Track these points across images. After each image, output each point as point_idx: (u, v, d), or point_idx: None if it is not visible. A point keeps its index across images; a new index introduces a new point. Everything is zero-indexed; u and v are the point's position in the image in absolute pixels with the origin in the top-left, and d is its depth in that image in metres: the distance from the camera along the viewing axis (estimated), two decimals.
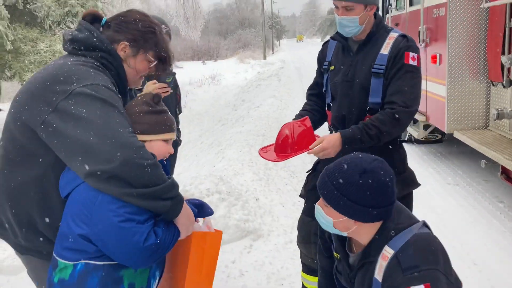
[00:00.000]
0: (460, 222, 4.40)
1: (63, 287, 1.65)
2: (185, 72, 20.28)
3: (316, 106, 2.75)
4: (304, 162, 6.11)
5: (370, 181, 1.64)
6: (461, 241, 3.99)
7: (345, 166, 1.69)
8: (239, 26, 59.71)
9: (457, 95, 5.27)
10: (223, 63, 35.45)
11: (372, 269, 1.71)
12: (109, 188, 1.58)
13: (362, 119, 2.46)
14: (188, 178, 5.00)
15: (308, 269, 2.82)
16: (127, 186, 1.58)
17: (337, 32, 2.60)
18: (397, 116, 2.32)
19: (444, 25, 5.23)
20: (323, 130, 2.70)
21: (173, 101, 3.67)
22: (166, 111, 1.87)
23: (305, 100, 2.85)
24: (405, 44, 2.42)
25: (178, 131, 3.90)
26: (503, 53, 4.63)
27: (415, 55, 2.42)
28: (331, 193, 1.69)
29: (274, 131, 7.74)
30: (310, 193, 2.70)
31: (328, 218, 1.74)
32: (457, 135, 5.32)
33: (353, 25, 2.44)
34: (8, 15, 8.80)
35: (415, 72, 2.41)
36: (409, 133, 7.03)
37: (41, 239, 1.79)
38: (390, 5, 7.70)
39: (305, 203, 2.82)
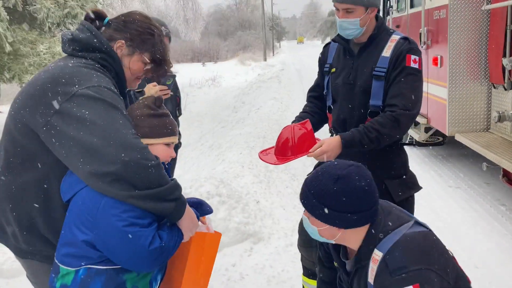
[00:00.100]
0: (461, 225, 4.38)
1: None
2: (185, 74, 20.28)
3: (316, 109, 2.74)
4: (305, 165, 6.10)
5: (344, 187, 1.64)
6: (462, 244, 3.97)
7: (320, 174, 1.71)
8: (239, 28, 59.78)
9: (458, 98, 5.25)
10: (223, 65, 35.51)
11: (365, 273, 1.71)
12: (112, 190, 1.57)
13: (363, 122, 2.44)
14: (188, 181, 4.98)
15: (308, 272, 2.81)
16: (131, 188, 1.58)
17: (338, 34, 2.58)
18: (397, 119, 2.31)
19: (445, 27, 5.22)
20: (324, 133, 2.68)
21: (173, 103, 3.66)
22: (168, 114, 1.86)
23: (305, 102, 2.84)
24: (407, 46, 2.41)
25: (178, 133, 3.89)
26: (504, 55, 4.63)
27: (417, 57, 2.40)
28: (309, 202, 1.71)
29: (274, 133, 7.73)
30: None
31: (313, 227, 1.75)
32: (459, 137, 5.31)
33: (354, 27, 2.42)
34: (8, 17, 8.80)
35: (416, 75, 2.39)
36: (410, 136, 7.02)
37: (42, 242, 1.78)
38: (391, 7, 7.70)
39: None
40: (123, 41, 1.84)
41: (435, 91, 5.68)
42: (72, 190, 1.67)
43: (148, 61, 1.88)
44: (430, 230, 1.75)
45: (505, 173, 4.56)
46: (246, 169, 5.82)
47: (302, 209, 2.89)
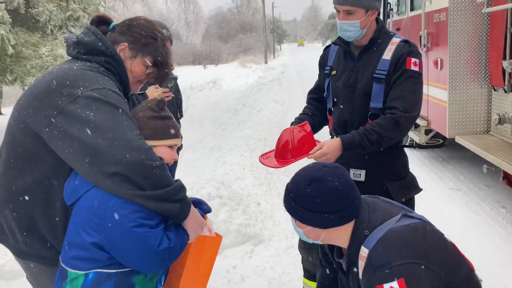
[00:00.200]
0: (461, 227, 4.38)
1: None
2: (186, 76, 20.30)
3: (316, 111, 2.75)
4: None
5: (318, 188, 1.67)
6: (462, 246, 3.93)
7: (297, 177, 1.76)
8: (240, 31, 59.79)
9: (458, 100, 5.26)
10: (224, 67, 35.51)
11: (357, 270, 1.72)
12: (119, 189, 1.59)
13: (363, 124, 2.45)
14: (189, 183, 4.99)
15: (309, 274, 2.81)
16: (137, 188, 1.59)
17: (339, 37, 2.59)
18: (398, 121, 2.32)
19: (445, 30, 5.24)
20: (324, 135, 2.69)
21: (174, 106, 3.67)
22: (171, 117, 1.87)
23: (305, 104, 2.85)
24: (408, 49, 2.42)
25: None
26: (504, 58, 4.63)
27: (417, 60, 2.41)
28: (289, 205, 1.74)
29: (275, 136, 7.73)
30: None
31: (299, 229, 1.79)
32: (459, 140, 5.31)
33: (354, 29, 2.43)
34: (10, 20, 8.83)
35: (416, 78, 2.40)
36: (410, 138, 7.02)
37: (41, 243, 1.78)
38: (391, 9, 7.72)
39: None
40: (126, 44, 1.86)
41: (435, 93, 5.69)
42: (77, 194, 1.67)
43: (150, 64, 1.89)
44: (423, 220, 1.75)
45: (506, 175, 4.56)
46: (247, 171, 5.83)
47: None
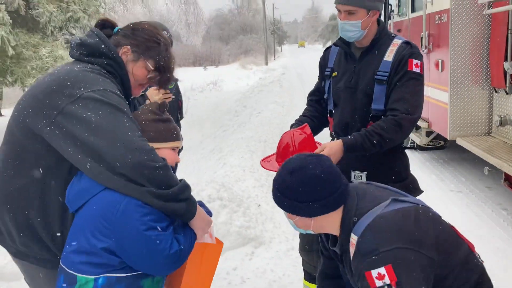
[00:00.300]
0: (462, 229, 4.33)
1: None
2: (187, 78, 20.31)
3: (316, 113, 2.74)
4: None
5: (300, 178, 1.70)
6: None
7: (281, 169, 1.79)
8: (240, 32, 59.88)
9: (459, 102, 5.25)
10: (224, 69, 35.56)
11: (349, 257, 1.73)
12: (125, 188, 1.59)
13: (365, 126, 2.44)
14: (190, 184, 4.98)
15: (310, 276, 2.80)
16: (142, 187, 1.60)
17: (340, 38, 2.59)
18: (399, 123, 2.31)
19: (447, 31, 5.23)
20: (324, 136, 2.68)
21: (175, 107, 3.66)
22: (172, 119, 1.89)
23: (306, 106, 2.84)
24: (409, 51, 2.41)
25: None
26: (505, 59, 4.62)
27: (419, 62, 2.41)
28: (276, 197, 1.78)
29: (276, 137, 7.73)
30: None
31: (290, 220, 1.82)
32: (460, 141, 5.30)
33: (356, 29, 2.43)
34: (10, 21, 8.82)
35: (418, 79, 2.40)
36: (411, 140, 7.02)
37: (38, 244, 1.78)
38: (392, 11, 7.71)
39: None
40: (129, 47, 1.86)
41: (436, 95, 5.68)
42: (82, 199, 1.67)
43: (152, 68, 1.90)
44: (417, 204, 1.74)
45: (507, 177, 4.55)
46: (248, 173, 5.83)
47: None
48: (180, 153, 3.94)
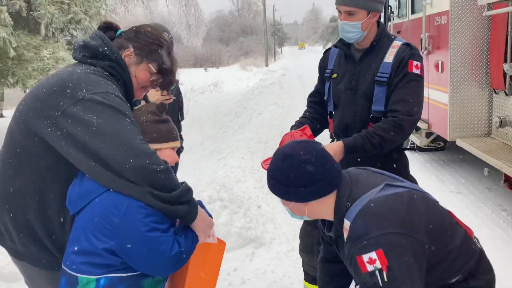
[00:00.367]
0: None
1: None
2: (187, 79, 20.30)
3: (316, 114, 2.75)
4: None
5: (291, 163, 1.72)
6: None
7: (273, 157, 1.81)
8: (241, 34, 59.86)
9: (459, 103, 5.26)
10: (225, 70, 35.55)
11: (343, 242, 1.74)
12: (126, 189, 1.60)
13: (365, 127, 2.45)
14: (190, 185, 4.99)
15: (310, 278, 2.80)
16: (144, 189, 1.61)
17: (340, 40, 2.60)
18: (400, 124, 2.32)
19: (446, 33, 5.24)
20: (324, 138, 2.69)
21: (175, 108, 3.67)
22: (170, 119, 1.90)
23: (306, 107, 2.85)
24: (409, 52, 2.42)
25: (180, 138, 3.91)
26: (505, 61, 4.63)
27: (419, 63, 2.42)
28: (270, 184, 1.80)
29: (276, 139, 7.74)
30: None
31: (286, 207, 1.84)
32: (460, 143, 5.31)
33: (356, 30, 2.44)
34: (12, 22, 8.84)
35: (418, 81, 2.41)
36: (411, 141, 7.02)
37: (37, 245, 1.78)
38: (392, 13, 7.72)
39: None
40: (132, 50, 1.87)
41: (436, 96, 5.69)
42: (83, 200, 1.68)
43: (155, 71, 1.90)
44: (412, 189, 1.75)
45: (507, 179, 4.55)
46: (248, 174, 5.83)
47: None
48: (181, 154, 3.96)
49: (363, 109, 2.49)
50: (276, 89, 15.95)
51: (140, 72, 1.89)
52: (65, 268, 1.68)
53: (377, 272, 1.54)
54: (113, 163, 1.58)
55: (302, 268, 2.89)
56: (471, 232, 1.81)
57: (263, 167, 2.48)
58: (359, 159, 2.43)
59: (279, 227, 4.51)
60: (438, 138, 6.56)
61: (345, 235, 1.69)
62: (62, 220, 1.78)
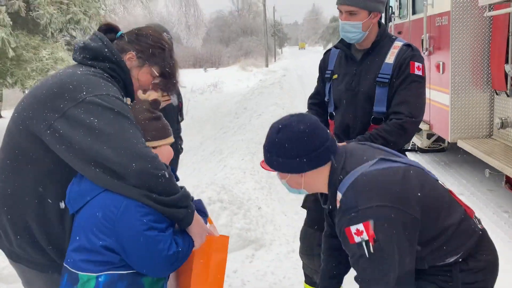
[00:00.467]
0: None
1: None
2: (187, 79, 20.29)
3: (317, 116, 2.73)
4: None
5: (286, 134, 1.75)
6: None
7: (269, 131, 1.83)
8: (241, 34, 59.91)
9: (460, 104, 5.25)
10: (225, 70, 35.58)
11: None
12: (126, 191, 1.59)
13: (366, 128, 2.44)
14: (190, 187, 4.95)
15: (310, 280, 2.79)
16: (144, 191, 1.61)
17: (341, 40, 2.58)
18: (404, 126, 2.32)
19: (447, 33, 5.23)
20: None
21: (175, 109, 3.65)
22: (162, 116, 1.91)
23: (306, 109, 2.84)
24: (410, 53, 2.41)
25: (180, 139, 3.89)
26: (506, 62, 4.63)
27: (420, 64, 2.41)
28: (266, 158, 1.83)
29: None
30: (312, 203, 2.68)
31: (283, 181, 1.87)
32: (461, 144, 5.30)
33: (356, 30, 2.42)
34: (11, 22, 8.82)
35: (420, 82, 2.40)
36: (412, 142, 7.00)
37: (34, 248, 1.77)
38: (393, 13, 7.71)
39: (307, 214, 2.79)
40: (134, 53, 1.87)
41: (437, 97, 5.68)
42: (83, 199, 1.67)
43: (157, 74, 1.90)
44: (410, 164, 1.76)
45: (508, 180, 4.54)
46: (248, 175, 5.82)
47: (303, 215, 2.89)
48: (181, 155, 3.94)
49: (364, 110, 2.47)
50: (276, 90, 15.95)
51: (143, 75, 1.89)
52: (67, 266, 1.68)
53: (363, 243, 1.59)
54: (114, 166, 1.57)
55: (302, 270, 2.87)
56: (471, 212, 1.81)
57: (262, 166, 2.46)
58: None
59: (279, 229, 4.49)
60: (439, 139, 6.55)
61: (338, 206, 1.72)
62: (61, 222, 1.76)
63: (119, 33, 1.93)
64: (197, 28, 24.50)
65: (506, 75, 4.67)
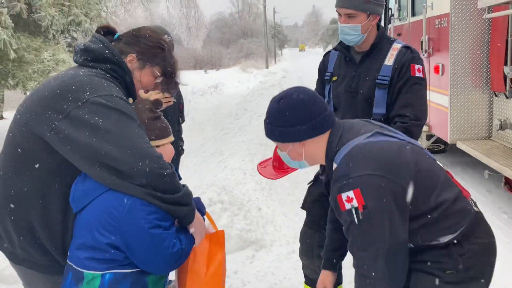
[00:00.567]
0: None
1: None
2: (188, 81, 20.26)
3: None
4: (307, 172, 6.06)
5: (286, 103, 1.79)
6: None
7: (270, 103, 1.86)
8: (241, 36, 59.90)
9: (459, 106, 5.26)
10: (225, 72, 35.53)
11: None
12: (131, 190, 1.61)
13: None
14: (190, 188, 4.97)
15: (310, 281, 2.80)
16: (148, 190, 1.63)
17: (340, 42, 2.60)
18: (409, 130, 2.34)
19: (447, 35, 5.24)
20: None
21: (176, 110, 3.67)
22: (162, 114, 1.94)
23: None
24: (410, 56, 2.43)
25: (181, 140, 3.91)
26: (505, 63, 4.64)
27: (420, 66, 2.43)
28: (267, 129, 1.86)
29: None
30: (312, 204, 2.69)
31: (283, 153, 1.89)
32: (460, 145, 5.31)
33: (355, 33, 2.44)
34: (12, 24, 8.84)
35: (421, 84, 2.43)
36: None
37: (37, 248, 1.77)
38: (393, 15, 7.72)
39: (307, 215, 2.81)
40: (135, 55, 1.88)
41: (436, 99, 5.69)
42: (88, 198, 1.68)
43: (159, 74, 1.92)
44: (407, 141, 1.79)
45: (507, 181, 4.55)
46: (248, 176, 5.83)
47: (303, 216, 2.90)
48: (181, 156, 3.96)
49: (363, 112, 2.49)
50: (276, 91, 15.75)
51: (145, 76, 1.90)
52: (71, 264, 1.69)
53: (353, 210, 1.63)
54: (121, 166, 1.58)
55: (302, 271, 2.89)
56: (467, 194, 1.82)
57: (259, 171, 2.48)
58: None
59: (279, 229, 4.51)
60: (439, 140, 6.56)
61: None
62: (64, 223, 1.77)
63: (116, 35, 1.94)
64: (197, 30, 24.50)
65: (505, 77, 4.68)
